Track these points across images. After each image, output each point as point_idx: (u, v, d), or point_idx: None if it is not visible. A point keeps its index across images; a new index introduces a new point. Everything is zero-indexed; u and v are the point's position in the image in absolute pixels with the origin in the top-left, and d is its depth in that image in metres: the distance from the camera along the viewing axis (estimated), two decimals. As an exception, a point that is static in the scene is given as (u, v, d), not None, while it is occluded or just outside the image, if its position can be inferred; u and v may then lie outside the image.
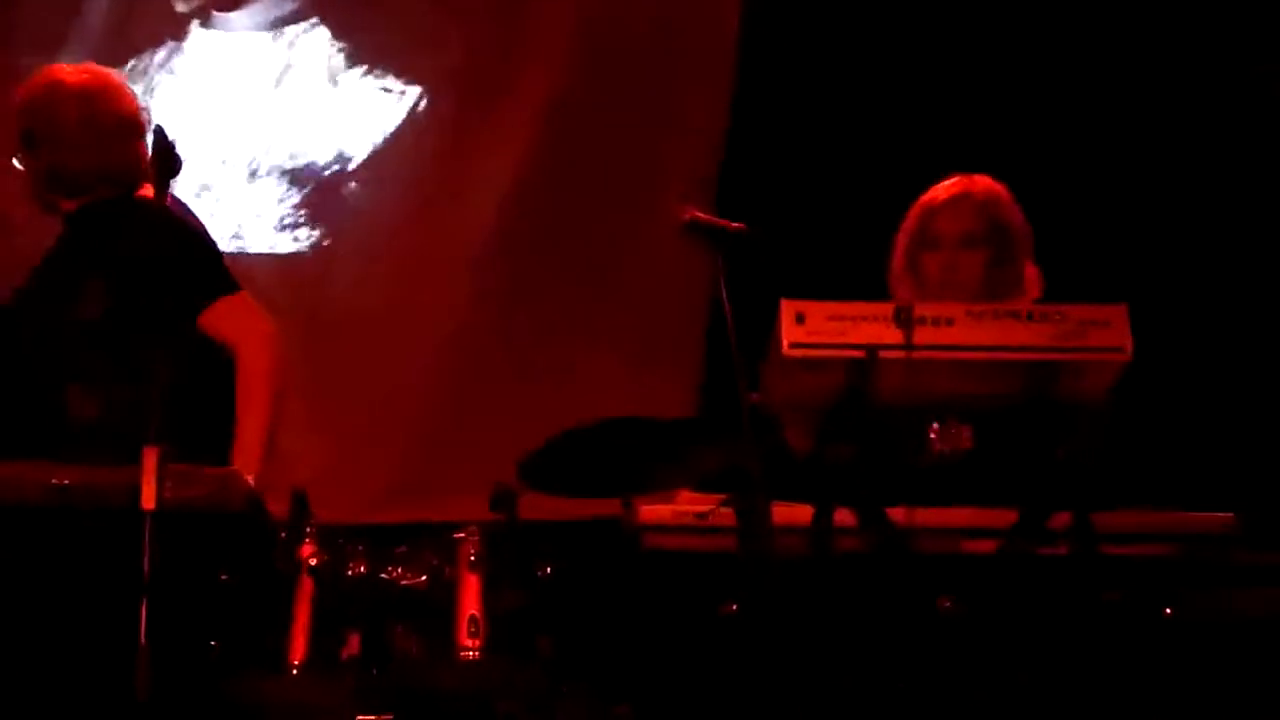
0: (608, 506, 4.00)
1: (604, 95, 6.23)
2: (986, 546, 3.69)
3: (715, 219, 3.78)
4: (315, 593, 3.97)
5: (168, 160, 3.57)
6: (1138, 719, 3.64)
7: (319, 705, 3.86)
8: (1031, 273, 4.27)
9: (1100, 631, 3.65)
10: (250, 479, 3.95)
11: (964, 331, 3.61)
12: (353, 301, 6.20)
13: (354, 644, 3.98)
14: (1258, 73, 5.60)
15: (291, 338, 4.44)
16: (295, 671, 3.91)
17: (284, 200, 6.28)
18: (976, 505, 3.72)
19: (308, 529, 4.02)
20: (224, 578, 3.88)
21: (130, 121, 4.32)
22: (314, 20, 6.35)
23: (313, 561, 3.99)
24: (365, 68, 6.34)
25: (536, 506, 4.13)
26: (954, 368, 3.62)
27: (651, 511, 3.85)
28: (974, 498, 3.73)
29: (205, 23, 6.33)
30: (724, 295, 3.62)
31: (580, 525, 4.32)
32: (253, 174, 6.24)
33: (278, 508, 4.05)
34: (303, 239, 6.27)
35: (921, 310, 3.61)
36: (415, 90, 6.32)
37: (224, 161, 6.19)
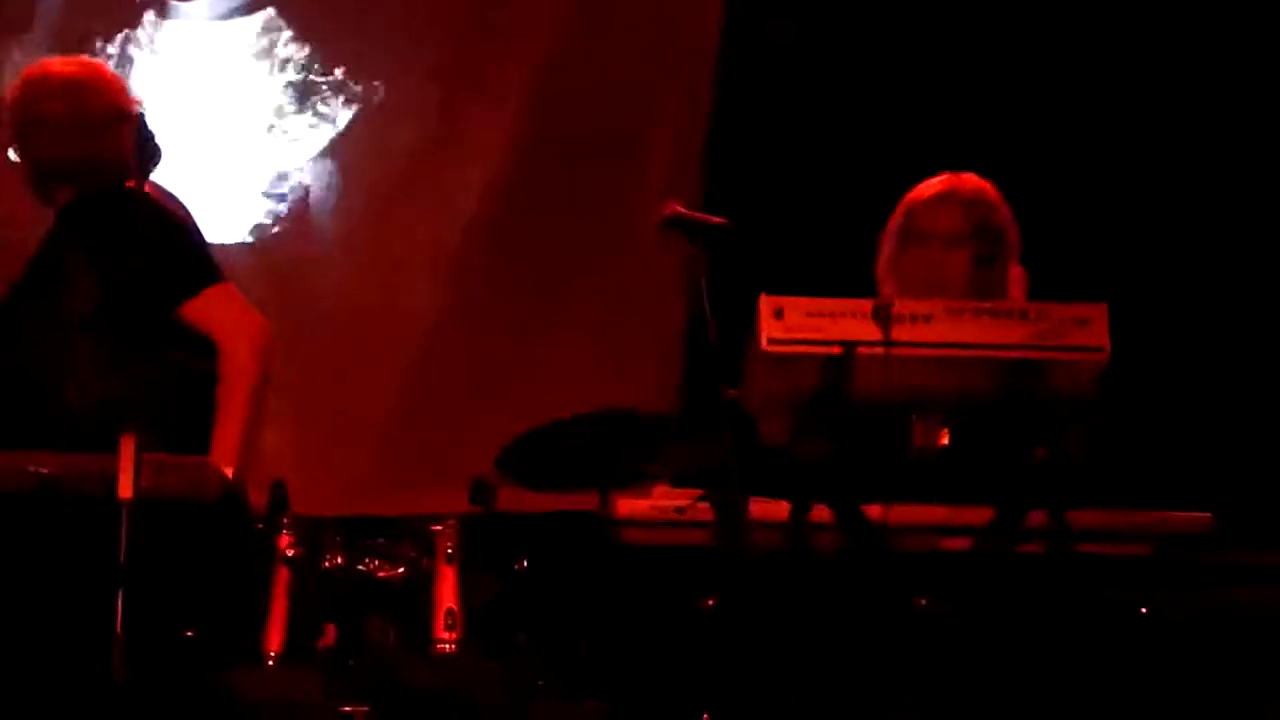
0: (585, 500, 4.00)
1: (584, 90, 6.21)
2: (963, 543, 3.69)
3: (696, 214, 3.77)
4: (292, 584, 3.97)
5: (147, 150, 3.58)
6: (1114, 717, 3.65)
7: (295, 696, 3.86)
8: (1017, 273, 4.26)
9: (1076, 630, 3.65)
10: (228, 470, 3.94)
11: (942, 329, 3.60)
12: (329, 295, 6.17)
13: (330, 635, 3.99)
14: None
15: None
16: (271, 662, 3.92)
17: (252, 194, 6.25)
18: (953, 503, 3.73)
19: (285, 520, 4.02)
20: (201, 568, 3.87)
21: (120, 112, 4.32)
22: (275, 10, 6.31)
23: (290, 553, 4.00)
24: (335, 60, 6.29)
25: (515, 500, 4.13)
26: (932, 365, 3.61)
27: (629, 506, 3.85)
28: (951, 495, 3.73)
29: (163, 13, 6.28)
30: (704, 290, 3.62)
31: (557, 518, 4.32)
32: (217, 167, 6.20)
33: (257, 499, 4.05)
34: (275, 234, 6.24)
35: (900, 307, 3.60)
36: (389, 83, 6.28)
37: (187, 154, 6.14)
